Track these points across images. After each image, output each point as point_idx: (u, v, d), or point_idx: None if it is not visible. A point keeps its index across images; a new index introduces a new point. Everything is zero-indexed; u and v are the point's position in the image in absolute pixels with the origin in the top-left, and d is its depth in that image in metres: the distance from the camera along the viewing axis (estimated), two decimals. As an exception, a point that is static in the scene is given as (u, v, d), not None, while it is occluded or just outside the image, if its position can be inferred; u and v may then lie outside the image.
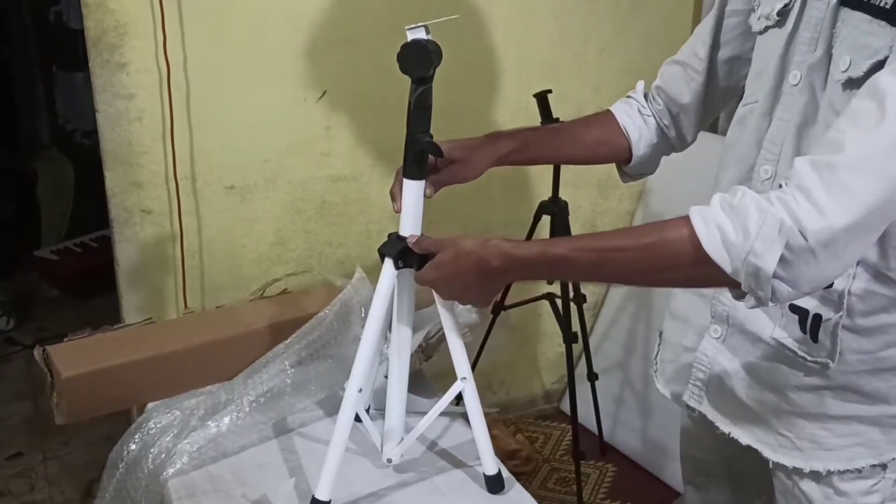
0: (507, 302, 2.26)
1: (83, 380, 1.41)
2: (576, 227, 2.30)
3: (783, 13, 1.02)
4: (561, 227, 2.17)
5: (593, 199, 2.55)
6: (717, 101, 1.29)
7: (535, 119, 2.07)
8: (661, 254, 0.93)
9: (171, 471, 1.34)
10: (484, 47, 2.24)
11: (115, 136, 1.89)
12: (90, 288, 3.37)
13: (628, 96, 1.36)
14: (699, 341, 1.18)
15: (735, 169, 1.10)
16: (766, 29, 1.06)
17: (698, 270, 0.90)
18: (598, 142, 1.33)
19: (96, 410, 1.47)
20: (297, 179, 2.10)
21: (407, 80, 1.15)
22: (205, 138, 1.96)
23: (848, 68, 0.91)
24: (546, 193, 2.19)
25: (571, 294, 2.23)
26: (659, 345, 1.34)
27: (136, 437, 1.39)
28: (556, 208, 2.16)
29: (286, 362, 1.48)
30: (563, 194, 2.18)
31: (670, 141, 1.35)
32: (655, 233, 0.94)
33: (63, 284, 3.57)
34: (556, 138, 1.35)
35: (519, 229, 2.25)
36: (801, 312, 1.05)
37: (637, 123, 1.32)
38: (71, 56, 3.51)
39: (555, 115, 2.06)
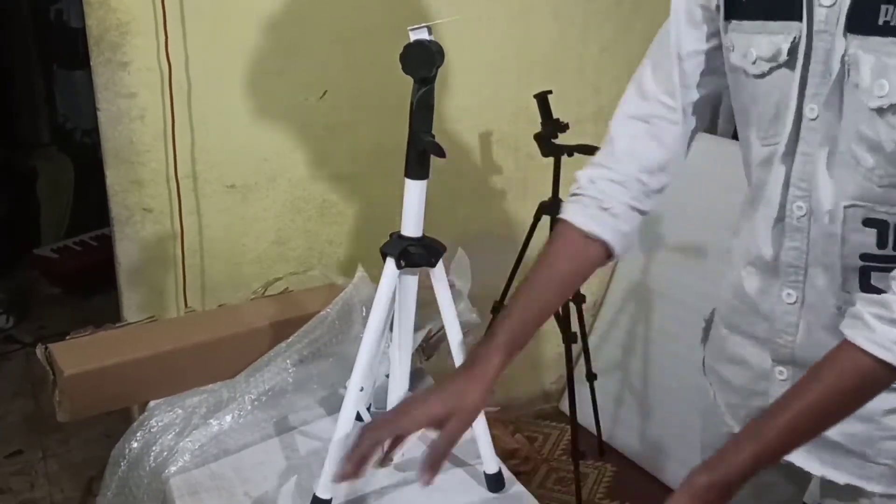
0: (507, 301, 2.26)
1: (86, 378, 1.41)
2: (575, 227, 2.30)
3: (792, 51, 0.96)
4: (561, 227, 2.17)
5: (593, 199, 2.55)
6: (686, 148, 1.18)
7: (536, 119, 2.08)
8: (858, 395, 0.92)
9: (172, 468, 1.34)
10: (484, 47, 2.24)
11: (116, 135, 1.89)
12: (90, 286, 3.38)
13: (575, 194, 1.16)
14: (767, 385, 1.12)
15: (767, 210, 1.05)
16: (771, 70, 1.00)
17: (888, 386, 0.91)
18: (573, 278, 1.17)
19: (98, 408, 1.47)
20: (298, 178, 2.11)
21: (408, 79, 1.15)
22: (206, 137, 1.97)
23: (887, 93, 0.88)
24: (546, 194, 2.19)
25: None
26: (713, 389, 1.25)
27: (138, 434, 1.39)
28: (556, 209, 2.17)
29: (288, 361, 1.48)
30: (563, 195, 2.19)
31: (646, 209, 1.18)
32: (838, 378, 0.91)
33: (63, 282, 3.58)
34: (537, 310, 1.15)
35: (519, 230, 2.25)
36: None
37: (606, 224, 1.13)
38: (71, 55, 3.51)
39: (555, 116, 2.07)
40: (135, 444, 1.38)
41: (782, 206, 1.02)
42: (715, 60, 1.10)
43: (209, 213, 2.03)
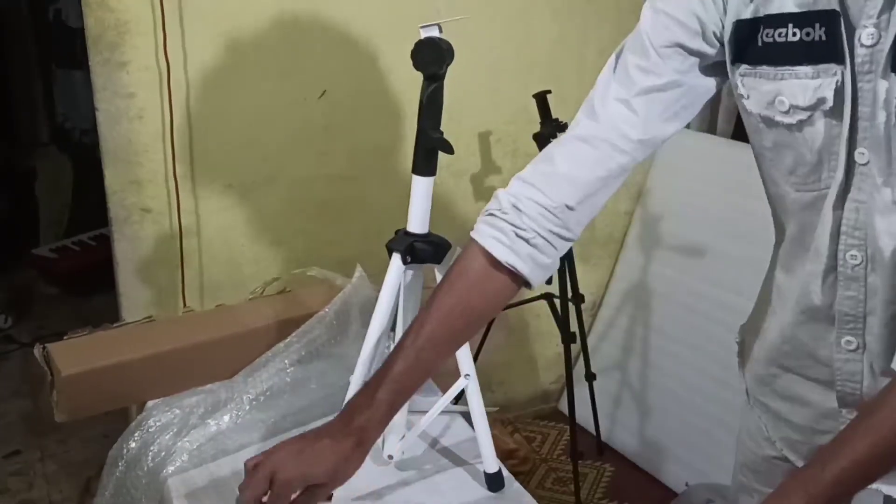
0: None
1: (83, 378, 1.41)
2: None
3: (836, 96, 0.90)
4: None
5: (592, 199, 2.55)
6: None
7: (535, 119, 2.08)
8: None
9: (170, 469, 1.34)
10: (484, 47, 2.24)
11: (115, 135, 1.89)
12: (88, 286, 3.38)
13: (491, 214, 1.07)
14: (834, 424, 1.07)
15: (815, 258, 0.99)
16: (811, 118, 0.93)
17: None
18: (479, 314, 1.12)
19: (96, 408, 1.47)
20: (297, 178, 2.11)
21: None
22: (204, 137, 1.96)
23: None
24: (545, 193, 2.18)
25: (570, 294, 2.23)
26: (765, 424, 1.18)
27: (136, 435, 1.38)
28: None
29: (286, 361, 1.48)
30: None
31: (575, 236, 1.10)
32: (892, 425, 0.86)
33: (61, 282, 3.58)
34: (431, 360, 1.11)
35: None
36: None
37: (523, 253, 1.05)
38: (70, 54, 3.51)
39: (554, 116, 2.07)
40: (133, 445, 1.38)
41: (832, 255, 0.96)
42: (681, 99, 1.03)
43: (208, 213, 2.03)
